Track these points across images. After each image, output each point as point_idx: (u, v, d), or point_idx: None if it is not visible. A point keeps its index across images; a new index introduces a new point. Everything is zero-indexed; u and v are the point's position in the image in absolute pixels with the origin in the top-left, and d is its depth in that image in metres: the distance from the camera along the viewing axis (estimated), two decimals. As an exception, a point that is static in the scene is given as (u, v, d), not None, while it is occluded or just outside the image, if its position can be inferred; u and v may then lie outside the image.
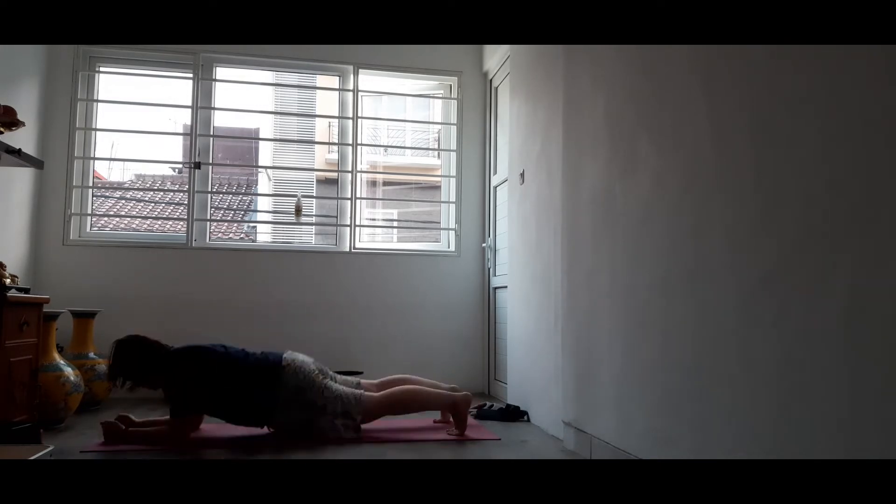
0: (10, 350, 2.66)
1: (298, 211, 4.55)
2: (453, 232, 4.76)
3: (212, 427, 3.11)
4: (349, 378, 3.20)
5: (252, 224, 5.43)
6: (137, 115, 4.90)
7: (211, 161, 4.53)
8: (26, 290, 2.88)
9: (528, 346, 3.56)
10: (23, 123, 3.10)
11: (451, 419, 3.11)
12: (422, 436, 3.03)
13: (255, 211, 5.73)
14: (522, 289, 3.71)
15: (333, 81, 4.80)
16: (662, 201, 2.18)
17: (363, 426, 2.99)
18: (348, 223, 4.62)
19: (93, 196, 4.42)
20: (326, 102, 5.01)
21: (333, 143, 4.93)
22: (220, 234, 4.96)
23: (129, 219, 5.03)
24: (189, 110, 4.46)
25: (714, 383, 1.86)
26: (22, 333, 2.76)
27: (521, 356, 3.69)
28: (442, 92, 4.95)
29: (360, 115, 4.72)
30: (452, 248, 4.75)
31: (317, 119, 5.26)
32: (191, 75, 4.45)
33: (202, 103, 4.46)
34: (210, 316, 4.22)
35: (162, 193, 5.63)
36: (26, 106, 3.86)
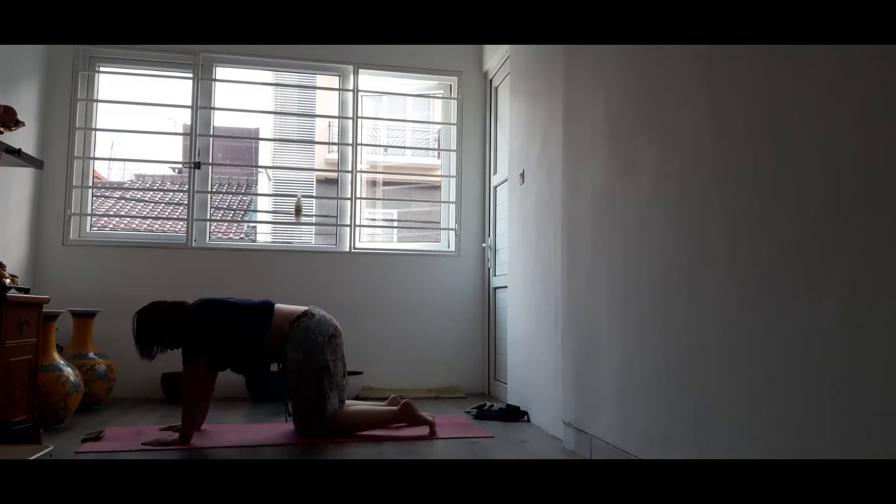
0: (10, 350, 2.66)
1: (298, 211, 4.55)
2: (453, 232, 4.76)
3: (215, 427, 3.11)
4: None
5: (252, 224, 5.43)
6: (137, 115, 4.90)
7: (211, 161, 4.53)
8: (26, 290, 2.88)
9: (528, 346, 3.56)
10: (23, 123, 3.10)
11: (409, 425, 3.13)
12: (421, 434, 3.02)
13: (255, 211, 5.72)
14: (522, 289, 3.71)
15: (333, 81, 4.80)
16: (662, 201, 2.18)
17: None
18: (348, 223, 4.62)
19: (93, 196, 4.42)
20: (326, 102, 5.01)
21: (333, 143, 4.92)
22: (220, 234, 4.96)
23: (128, 219, 5.03)
24: (189, 110, 4.46)
25: (714, 383, 1.86)
26: (22, 333, 2.76)
27: (521, 356, 3.69)
28: (442, 92, 4.95)
29: (360, 115, 4.72)
30: (452, 248, 4.75)
31: (317, 119, 5.26)
32: (191, 75, 4.46)
33: (202, 103, 4.47)
34: (210, 316, 4.21)
35: (162, 193, 5.63)
36: (26, 106, 3.86)
